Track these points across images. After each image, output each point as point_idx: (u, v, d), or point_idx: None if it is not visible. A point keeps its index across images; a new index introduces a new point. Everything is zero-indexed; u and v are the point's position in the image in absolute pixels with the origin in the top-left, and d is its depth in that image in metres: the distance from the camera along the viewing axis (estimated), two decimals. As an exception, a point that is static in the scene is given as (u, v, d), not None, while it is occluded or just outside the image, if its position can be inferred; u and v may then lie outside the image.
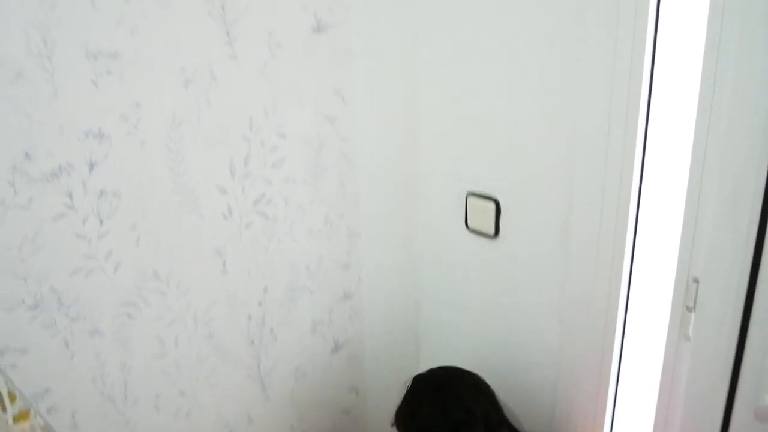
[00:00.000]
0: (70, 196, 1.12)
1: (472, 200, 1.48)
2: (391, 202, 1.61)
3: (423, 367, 1.48)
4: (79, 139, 1.10)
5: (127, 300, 1.24)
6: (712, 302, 1.04)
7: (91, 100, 1.09)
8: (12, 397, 1.00)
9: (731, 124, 0.95)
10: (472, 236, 1.51)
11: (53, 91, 1.05)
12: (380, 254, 1.63)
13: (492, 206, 1.43)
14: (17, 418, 0.99)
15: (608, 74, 1.10)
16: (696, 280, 1.06)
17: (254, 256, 1.40)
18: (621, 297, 1.19)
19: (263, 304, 1.45)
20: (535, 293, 1.37)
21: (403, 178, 1.62)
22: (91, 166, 1.13)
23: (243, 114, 1.28)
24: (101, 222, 1.17)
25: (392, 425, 1.35)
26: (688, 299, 1.08)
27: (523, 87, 1.28)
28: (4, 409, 0.98)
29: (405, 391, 1.35)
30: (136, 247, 1.22)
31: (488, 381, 1.34)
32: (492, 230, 1.44)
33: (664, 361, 1.14)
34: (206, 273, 1.33)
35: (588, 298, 1.24)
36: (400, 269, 1.69)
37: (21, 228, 1.08)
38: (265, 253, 1.42)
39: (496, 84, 1.34)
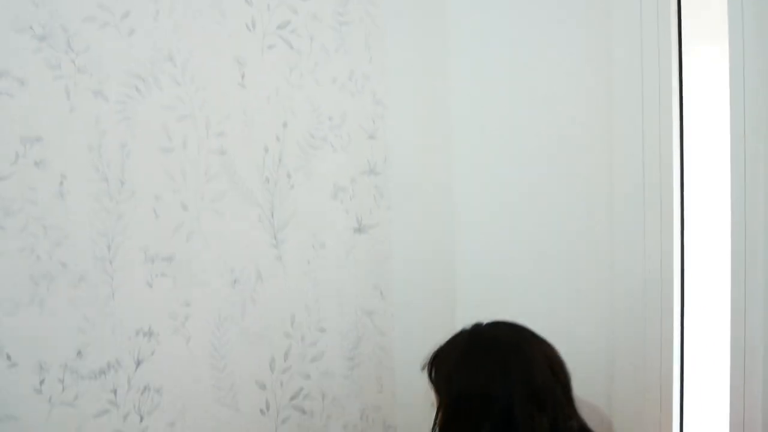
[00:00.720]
0: (115, 392, 1.14)
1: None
2: (428, 396, 1.59)
3: None
4: (129, 338, 1.15)
5: (159, 501, 1.21)
6: None
7: (145, 300, 1.16)
8: None
9: None
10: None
11: (111, 293, 1.12)
12: (417, 451, 1.59)
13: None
14: None
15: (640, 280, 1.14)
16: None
17: (289, 453, 1.38)
18: None
19: (295, 506, 1.40)
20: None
21: (440, 371, 1.61)
22: (138, 363, 1.16)
23: (285, 311, 1.34)
24: (141, 419, 1.18)
25: (424, 369, 1.14)
26: None
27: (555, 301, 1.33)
28: None
29: (455, 336, 1.14)
30: (172, 445, 1.22)
31: None
32: None
33: None
34: (240, 471, 1.31)
35: None
36: (437, 467, 1.62)
37: (63, 426, 1.10)
38: (300, 449, 1.39)
39: (530, 294, 1.39)
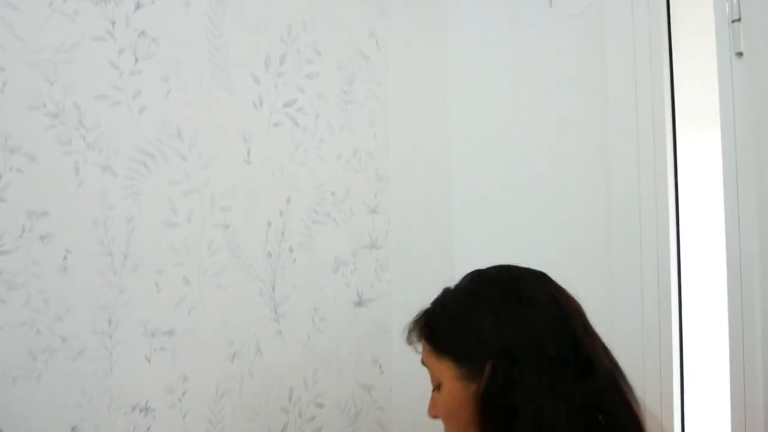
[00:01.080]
0: (108, 470, 1.12)
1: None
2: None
3: None
4: (125, 413, 1.13)
5: None
6: None
7: (143, 375, 1.15)
8: None
9: None
10: None
11: (109, 368, 1.11)
12: None
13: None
14: None
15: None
16: None
17: None
18: None
19: None
20: None
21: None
22: (133, 440, 1.14)
23: (284, 385, 1.32)
24: (134, 497, 1.15)
25: (415, 339, 0.95)
26: None
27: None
28: None
29: (453, 289, 0.95)
30: None
31: None
32: None
33: None
34: None
35: None
36: None
37: (54, 505, 1.07)
38: None
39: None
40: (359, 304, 1.44)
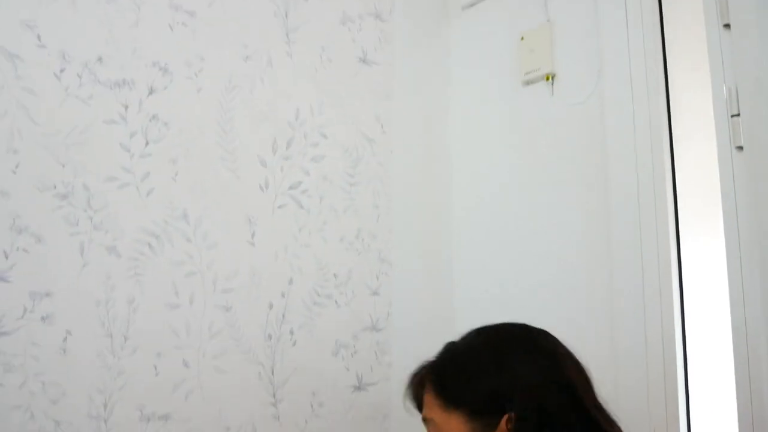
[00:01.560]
0: None
1: None
2: None
3: None
4: (115, 503, 1.10)
5: None
6: None
7: (136, 461, 1.12)
8: None
9: None
10: None
11: (102, 454, 1.09)
12: None
13: None
14: None
15: None
16: None
17: None
18: None
19: None
20: None
21: None
22: None
23: (280, 473, 1.28)
24: None
25: (415, 386, 0.96)
26: None
27: None
28: None
29: (463, 346, 0.92)
30: None
31: None
32: None
33: None
34: None
35: None
36: None
37: None
38: None
39: None
40: (359, 388, 1.42)
